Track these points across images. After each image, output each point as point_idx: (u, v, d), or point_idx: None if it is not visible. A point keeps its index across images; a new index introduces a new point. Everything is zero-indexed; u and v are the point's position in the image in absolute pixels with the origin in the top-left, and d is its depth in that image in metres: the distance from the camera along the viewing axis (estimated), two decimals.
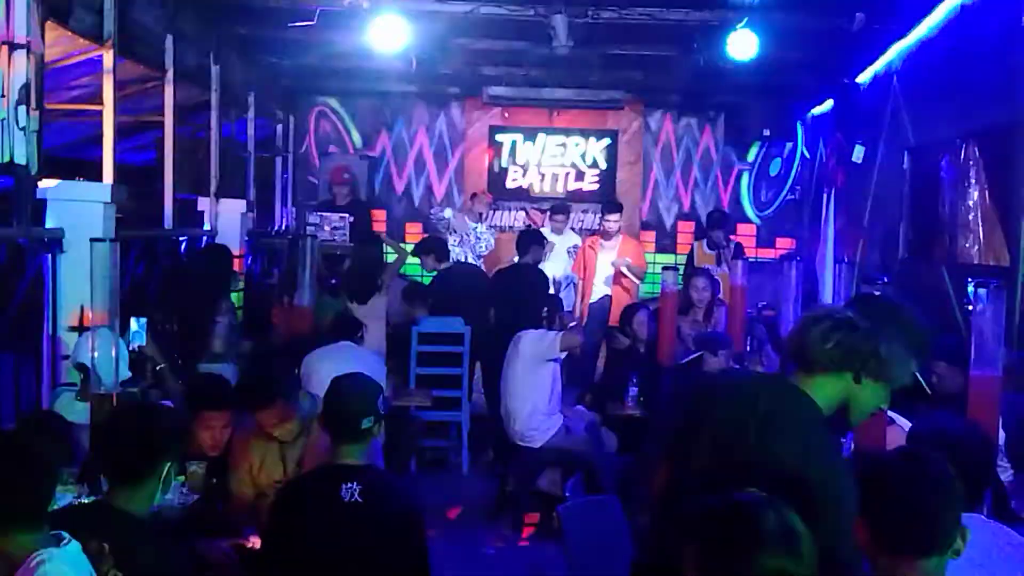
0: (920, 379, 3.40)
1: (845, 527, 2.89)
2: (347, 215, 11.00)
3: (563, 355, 8.00)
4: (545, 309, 8.26)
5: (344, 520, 3.94)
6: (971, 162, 7.30)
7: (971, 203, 7.27)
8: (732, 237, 11.35)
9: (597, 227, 11.53)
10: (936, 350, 5.88)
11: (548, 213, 11.74)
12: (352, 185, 11.68)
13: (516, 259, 10.38)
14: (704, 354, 7.52)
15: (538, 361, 7.87)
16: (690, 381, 7.37)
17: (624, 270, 10.81)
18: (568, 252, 11.36)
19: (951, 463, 2.97)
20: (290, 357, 6.69)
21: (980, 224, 7.14)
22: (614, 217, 10.91)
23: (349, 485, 3.97)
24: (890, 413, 4.88)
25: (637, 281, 10.97)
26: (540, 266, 10.30)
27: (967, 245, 7.32)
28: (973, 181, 7.26)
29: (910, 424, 4.87)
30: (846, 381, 3.08)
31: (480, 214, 11.77)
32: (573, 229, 11.88)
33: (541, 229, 11.62)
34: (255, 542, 4.29)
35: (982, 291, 4.62)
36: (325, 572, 3.95)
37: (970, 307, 5.52)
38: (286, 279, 8.89)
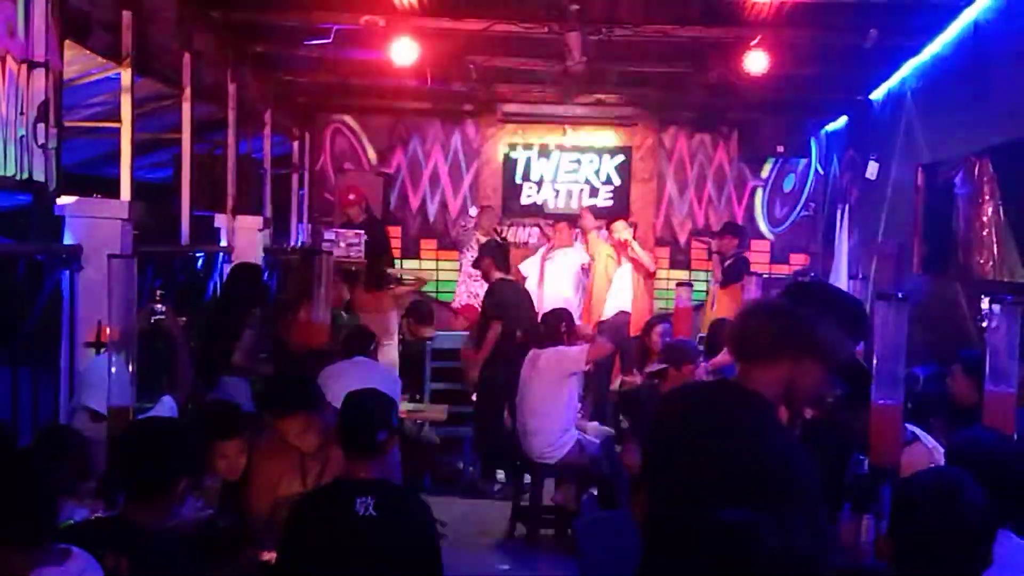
0: (860, 359, 3.44)
1: (807, 512, 2.92)
2: (362, 232, 11.03)
3: (588, 368, 8.02)
4: (564, 324, 8.27)
5: (358, 534, 3.96)
6: (985, 178, 7.30)
7: (985, 219, 7.27)
8: (745, 252, 11.40)
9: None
10: (955, 363, 5.90)
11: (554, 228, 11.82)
12: (363, 203, 11.60)
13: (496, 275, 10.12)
14: (668, 368, 7.34)
15: (560, 377, 7.88)
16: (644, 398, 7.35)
17: (634, 246, 10.91)
18: (582, 268, 11.41)
19: (990, 478, 2.98)
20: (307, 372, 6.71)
21: (994, 240, 7.14)
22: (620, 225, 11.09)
23: (363, 499, 3.99)
24: (913, 429, 4.89)
25: (645, 259, 11.14)
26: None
27: (981, 261, 7.31)
28: (987, 197, 7.25)
29: (934, 442, 4.88)
30: (787, 366, 3.10)
31: (494, 229, 11.77)
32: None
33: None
34: (271, 556, 4.30)
35: (996, 307, 4.63)
36: None
37: (984, 324, 5.51)
38: (295, 294, 8.86)
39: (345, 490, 4.09)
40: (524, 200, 12.72)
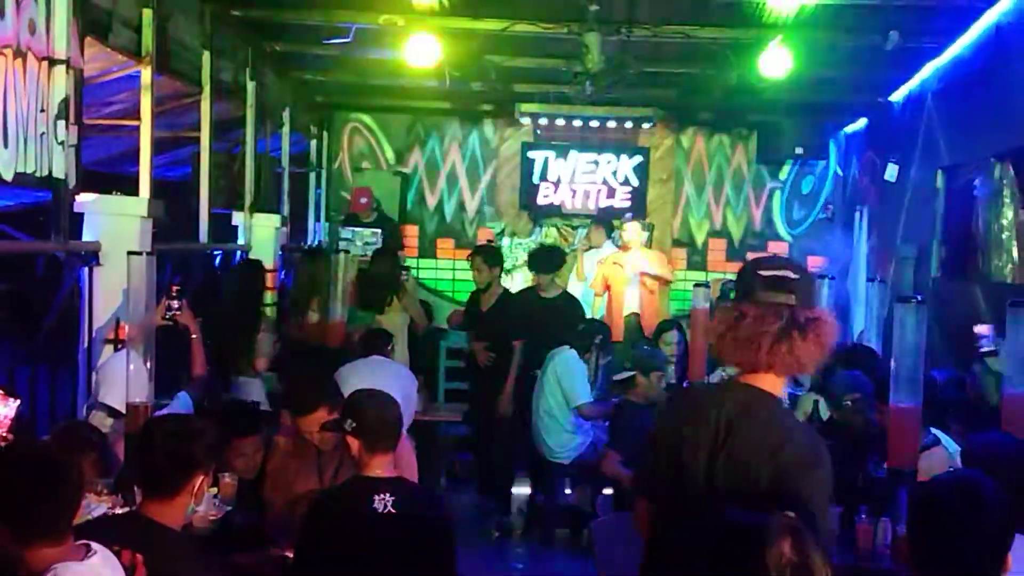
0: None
1: (823, 505, 2.99)
2: (379, 231, 11.05)
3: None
4: (599, 338, 8.21)
5: (378, 530, 3.98)
6: (1005, 181, 7.26)
7: (1005, 222, 7.24)
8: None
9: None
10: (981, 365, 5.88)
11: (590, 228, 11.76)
12: (375, 205, 11.58)
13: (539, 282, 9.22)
14: (636, 375, 7.34)
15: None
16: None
17: (647, 280, 10.78)
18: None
19: (1006, 481, 2.97)
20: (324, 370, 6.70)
21: (1014, 243, 7.10)
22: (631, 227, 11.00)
23: (382, 496, 4.02)
24: (936, 433, 4.88)
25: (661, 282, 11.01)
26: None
27: (1001, 264, 7.28)
28: (1007, 200, 7.22)
29: (956, 446, 4.86)
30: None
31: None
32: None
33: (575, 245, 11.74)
34: (290, 552, 4.31)
35: (1016, 310, 4.61)
36: None
37: (983, 349, 5.43)
38: (301, 294, 8.83)
39: (364, 487, 4.11)
40: (541, 200, 12.68)
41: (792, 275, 3.12)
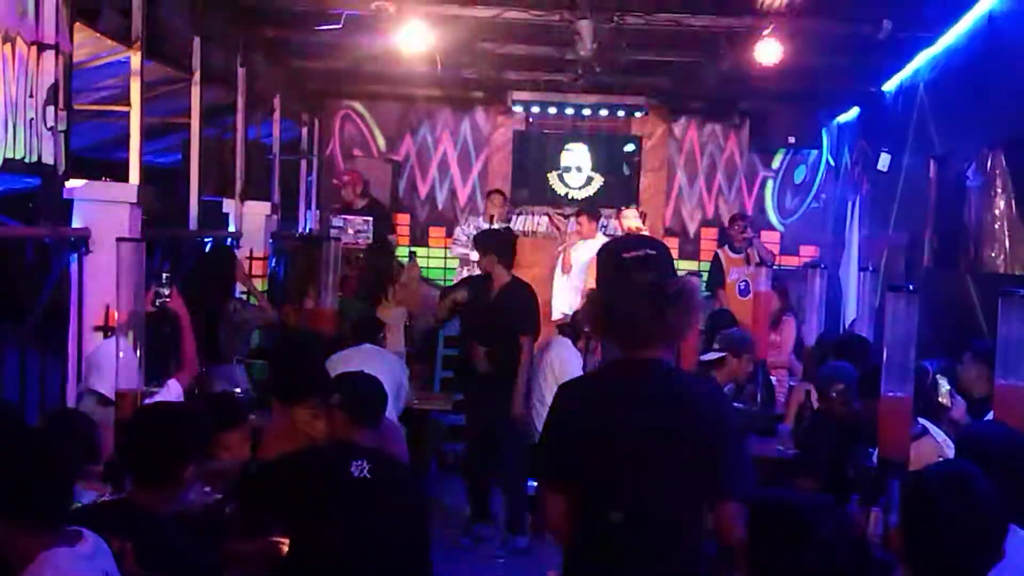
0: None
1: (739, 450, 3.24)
2: (371, 219, 11.00)
3: None
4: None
5: (353, 494, 4.06)
6: (997, 171, 7.25)
7: (997, 212, 7.23)
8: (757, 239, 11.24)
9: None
10: (972, 354, 5.87)
11: (575, 217, 11.66)
12: (359, 187, 11.32)
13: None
14: (727, 356, 7.39)
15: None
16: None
17: None
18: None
19: (1000, 471, 2.98)
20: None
21: (1006, 233, 7.10)
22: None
23: (359, 462, 4.11)
24: (923, 423, 4.87)
25: None
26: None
27: (992, 254, 7.27)
28: (1000, 190, 7.21)
29: (944, 435, 4.86)
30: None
31: (492, 216, 11.25)
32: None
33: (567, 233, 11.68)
34: (282, 540, 4.31)
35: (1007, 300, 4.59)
36: (329, 542, 4.03)
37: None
38: (299, 282, 8.79)
39: (343, 451, 4.21)
40: (533, 188, 12.66)
41: (652, 251, 3.25)
